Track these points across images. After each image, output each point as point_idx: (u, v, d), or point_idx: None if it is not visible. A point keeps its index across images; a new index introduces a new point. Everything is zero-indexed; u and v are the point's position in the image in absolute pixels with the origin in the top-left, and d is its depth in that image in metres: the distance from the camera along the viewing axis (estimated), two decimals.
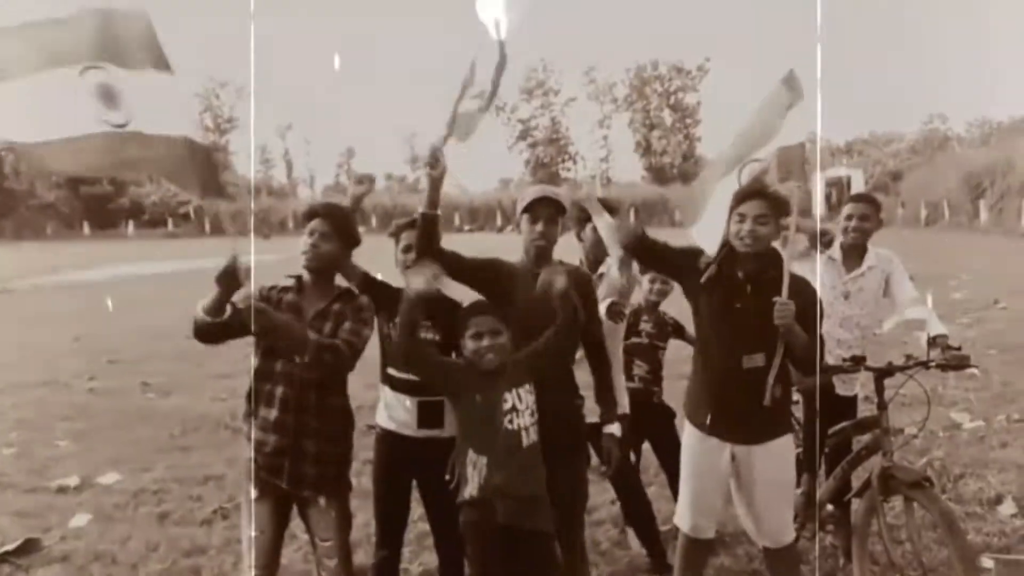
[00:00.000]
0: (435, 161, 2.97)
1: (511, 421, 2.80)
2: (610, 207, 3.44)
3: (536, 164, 61.95)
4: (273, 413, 2.98)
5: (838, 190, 38.40)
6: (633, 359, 4.13)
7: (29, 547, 4.43)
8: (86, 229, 47.81)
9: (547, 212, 3.12)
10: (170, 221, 47.34)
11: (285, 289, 3.10)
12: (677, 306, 3.83)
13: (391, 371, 3.33)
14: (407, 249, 3.31)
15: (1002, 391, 7.19)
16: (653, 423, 4.10)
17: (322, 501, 3.04)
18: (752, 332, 2.97)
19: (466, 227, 41.56)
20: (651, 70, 62.57)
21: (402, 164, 64.69)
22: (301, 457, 2.98)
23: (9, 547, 4.38)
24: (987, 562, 3.88)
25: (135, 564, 4.24)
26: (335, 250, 3.07)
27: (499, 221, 40.85)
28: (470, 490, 2.78)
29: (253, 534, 3.05)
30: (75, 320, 13.11)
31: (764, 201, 2.99)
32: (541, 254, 3.16)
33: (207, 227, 45.22)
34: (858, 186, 40.93)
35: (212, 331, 2.83)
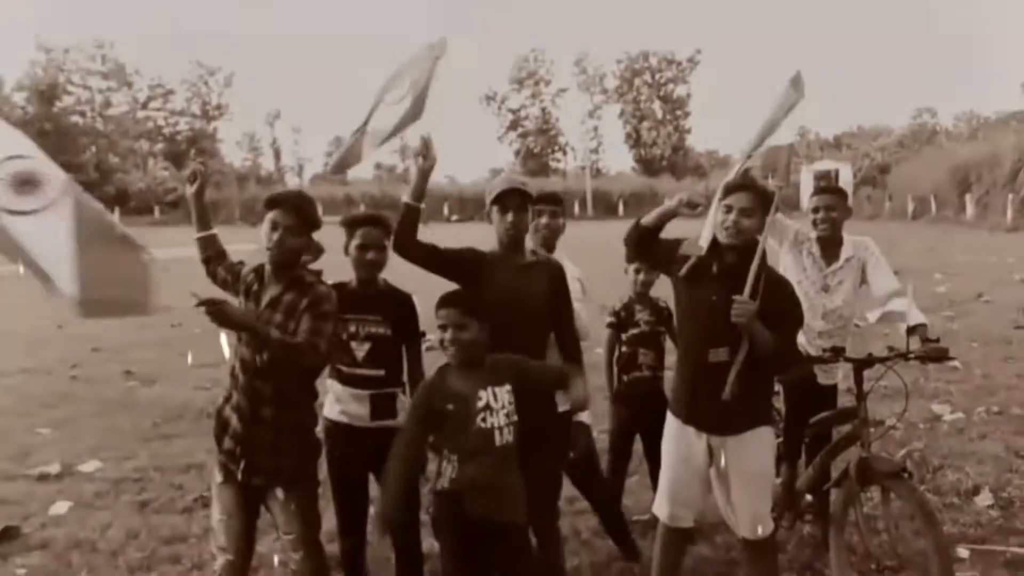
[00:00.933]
0: (427, 151, 2.98)
1: (484, 420, 2.77)
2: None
3: (526, 154, 61.93)
4: (235, 397, 2.97)
5: (826, 184, 38.44)
6: (638, 349, 4.17)
7: (8, 534, 4.41)
8: None
9: (515, 202, 3.15)
10: (156, 208, 47.07)
11: (256, 274, 3.07)
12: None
13: (342, 367, 3.33)
14: (363, 248, 3.30)
15: (983, 383, 7.25)
16: (653, 413, 4.06)
17: (279, 493, 2.98)
18: (720, 326, 2.97)
19: (453, 217, 41.48)
20: (642, 61, 62.58)
21: (391, 153, 64.37)
22: (256, 446, 2.93)
23: None
24: (963, 552, 3.91)
25: (115, 552, 4.22)
26: (300, 243, 2.98)
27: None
28: (441, 482, 2.78)
29: (219, 518, 3.05)
30: (60, 307, 12.99)
31: (751, 194, 3.01)
32: (514, 243, 3.20)
33: (193, 215, 45.01)
34: (846, 180, 41.10)
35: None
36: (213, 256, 3.29)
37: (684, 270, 3.09)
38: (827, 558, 3.69)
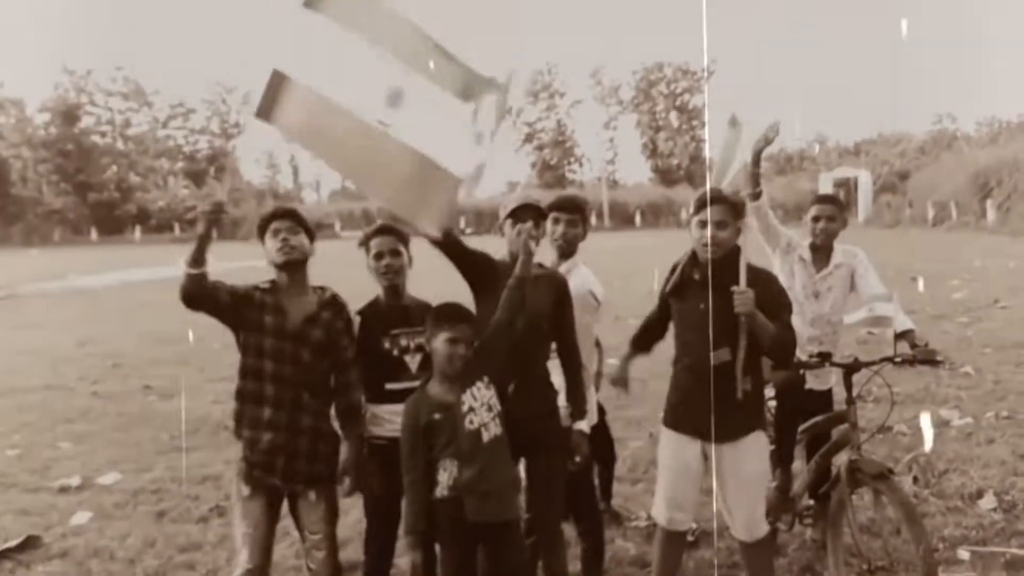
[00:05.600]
0: None
1: (471, 421, 2.90)
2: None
3: (542, 166, 62.04)
4: (266, 411, 3.09)
5: (845, 191, 38.41)
6: None
7: (30, 544, 4.55)
8: (93, 235, 48.12)
9: (529, 217, 3.24)
10: (177, 226, 47.63)
11: (264, 290, 3.18)
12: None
13: (391, 385, 3.33)
14: (379, 256, 3.37)
15: (993, 389, 7.24)
16: None
17: (312, 495, 3.16)
18: (717, 329, 3.07)
19: (467, 230, 41.55)
20: (657, 72, 62.63)
21: None
22: (295, 454, 3.10)
23: (11, 544, 4.51)
24: (963, 554, 3.95)
25: (132, 560, 4.36)
26: (306, 244, 3.18)
27: None
28: (440, 489, 2.89)
29: (245, 531, 3.13)
30: (81, 324, 13.28)
31: (723, 206, 3.11)
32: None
33: (214, 232, 45.49)
34: (865, 187, 40.93)
35: (194, 288, 2.95)
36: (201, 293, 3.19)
37: (669, 287, 3.20)
38: (827, 560, 3.75)
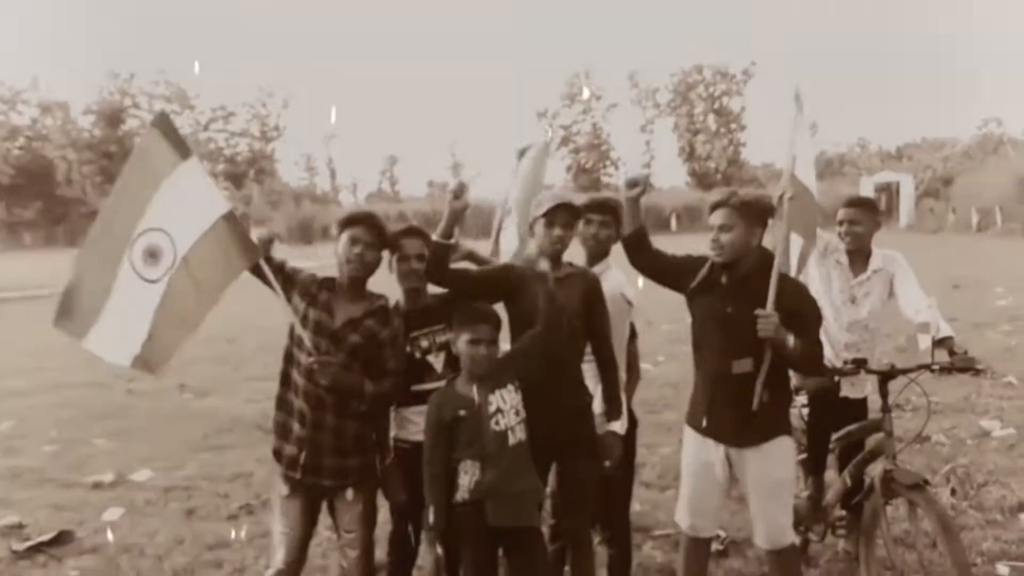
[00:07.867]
0: (460, 193, 3.07)
1: (497, 423, 2.87)
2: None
3: (578, 170, 61.93)
4: (296, 402, 3.11)
5: (887, 196, 37.78)
6: None
7: (63, 538, 4.63)
8: None
9: (564, 218, 3.20)
10: None
11: (320, 283, 3.19)
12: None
13: (417, 387, 3.28)
14: (406, 259, 3.30)
15: None
16: None
17: (349, 494, 3.14)
18: (741, 338, 3.00)
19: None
20: (695, 75, 62.17)
21: (444, 170, 65.16)
22: (318, 449, 3.07)
23: (44, 538, 4.59)
24: (1002, 569, 3.84)
25: (161, 556, 4.40)
26: (378, 258, 3.18)
27: None
28: (461, 493, 2.87)
29: (282, 531, 3.14)
30: None
31: (727, 210, 3.04)
32: (556, 257, 3.24)
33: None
34: (907, 192, 40.23)
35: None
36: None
37: (695, 283, 3.13)
38: (860, 573, 3.66)
